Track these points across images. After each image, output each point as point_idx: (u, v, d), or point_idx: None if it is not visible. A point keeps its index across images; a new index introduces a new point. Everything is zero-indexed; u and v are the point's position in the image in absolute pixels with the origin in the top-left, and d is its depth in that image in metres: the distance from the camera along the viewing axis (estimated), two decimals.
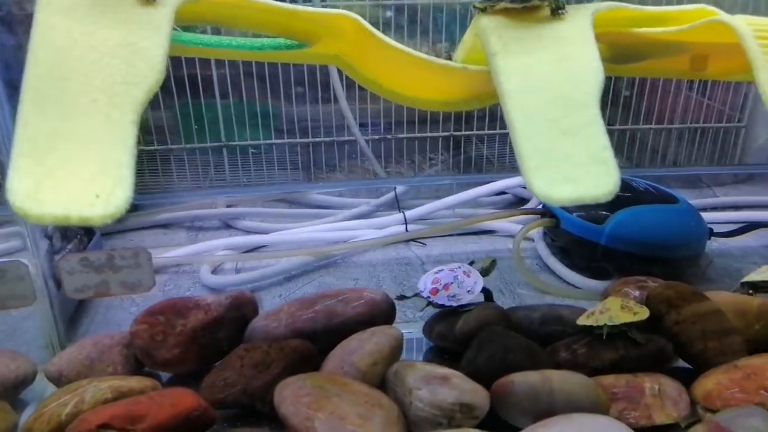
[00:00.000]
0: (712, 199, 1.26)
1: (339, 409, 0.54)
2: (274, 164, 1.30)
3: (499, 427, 0.59)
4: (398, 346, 0.66)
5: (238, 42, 0.54)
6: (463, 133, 1.34)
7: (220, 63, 1.21)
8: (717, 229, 1.04)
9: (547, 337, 0.70)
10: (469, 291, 0.70)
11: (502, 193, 1.22)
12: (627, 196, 0.91)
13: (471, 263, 0.76)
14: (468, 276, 0.72)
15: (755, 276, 0.73)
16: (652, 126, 1.39)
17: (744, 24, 0.45)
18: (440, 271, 0.74)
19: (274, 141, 1.28)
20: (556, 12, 0.50)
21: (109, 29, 0.39)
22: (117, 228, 1.10)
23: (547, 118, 0.42)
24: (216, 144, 1.24)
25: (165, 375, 0.70)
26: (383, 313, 0.72)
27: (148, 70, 0.37)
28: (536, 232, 1.04)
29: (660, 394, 0.60)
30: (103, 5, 0.40)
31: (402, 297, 0.77)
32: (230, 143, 1.24)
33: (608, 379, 0.62)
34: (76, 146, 0.35)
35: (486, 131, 1.34)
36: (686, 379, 0.65)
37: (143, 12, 0.40)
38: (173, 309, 0.68)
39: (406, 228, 1.06)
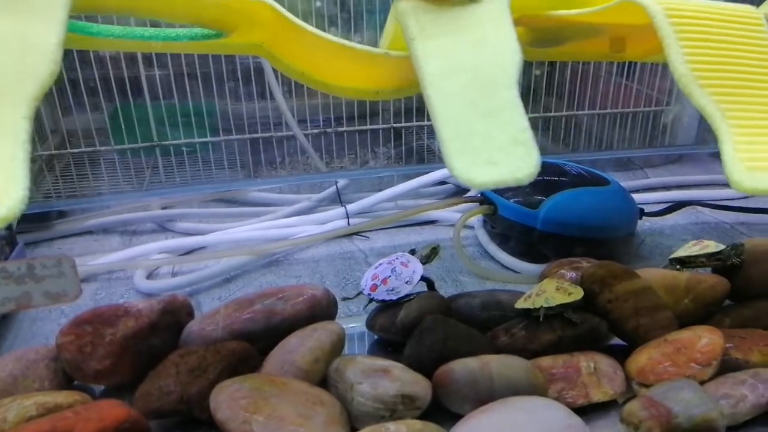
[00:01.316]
0: (644, 180, 1.30)
1: (278, 410, 0.53)
2: (212, 164, 1.26)
3: (443, 414, 0.59)
4: (340, 342, 0.65)
5: (151, 33, 0.52)
6: (403, 124, 1.34)
7: (147, 63, 1.17)
8: (648, 209, 1.08)
9: (487, 323, 0.71)
10: (407, 282, 0.70)
11: (443, 183, 1.23)
12: (560, 180, 0.92)
13: (412, 252, 0.75)
14: (406, 266, 0.72)
15: (682, 252, 0.75)
16: (586, 112, 1.43)
17: (654, 3, 0.46)
18: (379, 265, 0.74)
19: (209, 139, 1.24)
20: None
21: None
22: (43, 236, 1.05)
23: (466, 101, 0.42)
24: (147, 144, 1.19)
25: (99, 388, 0.67)
26: (325, 309, 0.70)
27: (41, 62, 0.34)
28: (476, 220, 1.05)
29: (596, 372, 0.61)
30: None
31: (346, 298, 0.77)
32: (162, 143, 1.20)
33: (546, 361, 0.62)
34: None
35: (425, 122, 1.35)
36: (622, 355, 0.67)
37: None
38: (101, 318, 0.65)
39: (348, 222, 1.05)
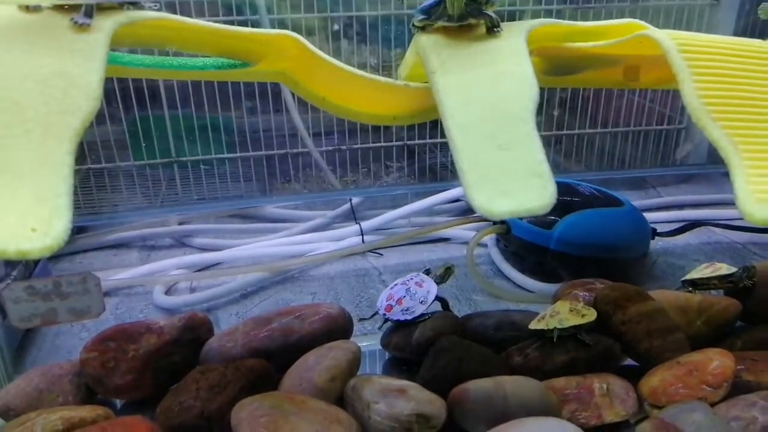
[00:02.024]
0: (657, 200, 1.31)
1: (297, 428, 0.54)
2: (227, 178, 1.29)
3: None
4: (356, 360, 0.66)
5: (180, 62, 0.54)
6: (417, 141, 1.35)
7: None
8: (660, 228, 1.08)
9: (501, 342, 0.72)
10: (422, 302, 0.71)
11: (457, 200, 1.25)
12: (574, 200, 0.94)
13: (427, 272, 0.77)
14: (420, 286, 0.73)
15: (695, 274, 0.76)
16: (598, 130, 1.44)
17: (668, 39, 0.47)
18: (395, 285, 0.75)
19: (225, 155, 1.26)
20: (492, 30, 0.51)
21: (42, 57, 0.38)
22: (65, 250, 1.07)
23: (484, 134, 0.44)
24: (166, 160, 1.22)
25: (120, 402, 0.68)
26: (340, 328, 0.72)
27: (83, 99, 0.36)
28: (490, 239, 1.06)
29: (608, 393, 0.62)
30: (36, 33, 0.39)
31: (363, 319, 0.79)
32: (180, 158, 1.23)
33: (560, 382, 0.63)
34: (10, 179, 0.34)
35: (439, 139, 1.36)
36: (634, 377, 0.67)
37: (77, 39, 0.40)
38: (124, 334, 0.67)
39: (363, 239, 1.06)
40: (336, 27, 1.16)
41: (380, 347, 0.75)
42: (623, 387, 0.64)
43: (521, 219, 0.92)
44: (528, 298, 0.91)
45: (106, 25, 0.44)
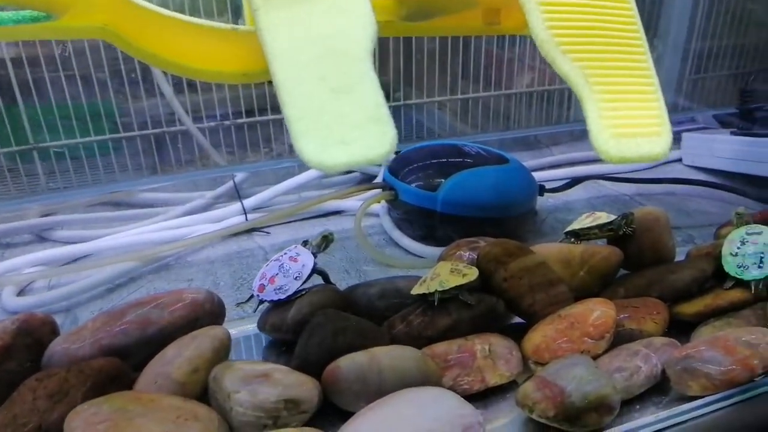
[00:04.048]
0: (549, 158, 1.32)
1: (143, 431, 0.47)
2: (99, 168, 1.17)
3: (339, 415, 0.56)
4: (223, 347, 0.60)
5: None
6: None
7: (17, 63, 1.06)
8: (553, 186, 1.09)
9: (386, 311, 0.67)
10: (296, 278, 0.66)
11: (350, 171, 1.20)
12: (459, 161, 0.91)
13: (304, 243, 0.71)
14: (295, 261, 0.67)
15: (576, 225, 0.75)
16: (492, 93, 1.43)
17: None
18: (268, 263, 0.69)
19: (93, 138, 1.14)
20: None
21: None
22: None
23: (315, 76, 0.38)
24: (23, 147, 1.08)
25: None
26: (208, 314, 0.65)
27: None
28: (382, 208, 1.02)
29: (491, 354, 0.59)
30: None
31: (240, 303, 0.73)
32: (40, 145, 1.10)
33: (441, 347, 0.60)
34: None
35: None
36: (522, 334, 0.65)
37: None
38: None
39: (246, 218, 0.99)
40: None
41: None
42: (507, 347, 0.61)
43: (408, 183, 0.88)
44: (419, 263, 0.88)
45: None
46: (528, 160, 1.28)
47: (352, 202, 1.06)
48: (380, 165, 0.41)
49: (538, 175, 1.16)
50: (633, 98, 0.42)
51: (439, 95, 1.38)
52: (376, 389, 0.53)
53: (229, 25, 0.48)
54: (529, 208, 0.94)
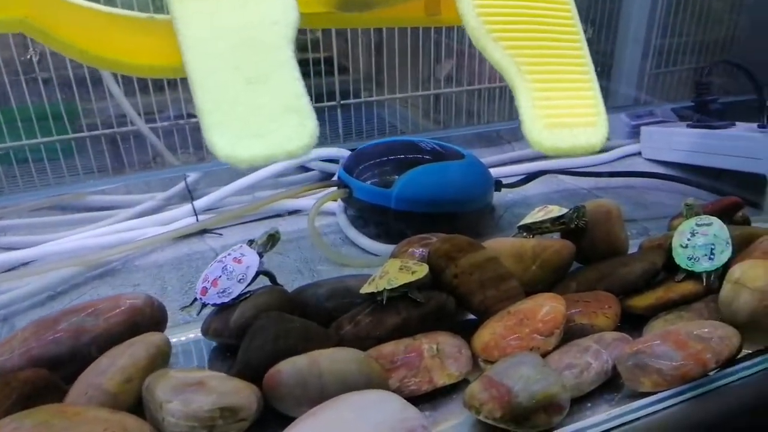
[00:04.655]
0: (509, 154, 1.31)
1: None
2: (48, 171, 1.12)
3: (281, 421, 0.54)
4: (161, 355, 0.57)
5: None
6: None
7: None
8: (511, 181, 1.08)
9: (334, 312, 0.65)
10: (240, 280, 0.63)
11: (309, 169, 1.17)
12: (415, 157, 0.89)
13: (250, 243, 0.69)
14: (239, 262, 0.65)
15: (528, 219, 0.74)
16: (454, 89, 1.42)
17: None
18: (212, 264, 0.66)
19: (41, 140, 1.10)
20: None
21: None
22: None
23: (230, 66, 0.36)
24: None
25: None
26: (148, 320, 0.62)
27: None
28: (338, 206, 1.00)
29: (439, 353, 0.58)
30: None
31: (184, 307, 0.70)
32: None
33: (388, 347, 0.58)
34: None
35: None
36: (474, 332, 0.64)
37: None
38: None
39: (197, 219, 0.96)
40: None
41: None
42: (455, 345, 0.60)
43: (363, 180, 0.86)
44: (375, 262, 0.86)
45: None
46: (488, 156, 1.28)
47: (309, 201, 1.04)
48: (299, 158, 0.39)
49: (498, 171, 1.15)
50: (567, 87, 0.41)
51: (401, 92, 1.37)
52: (318, 394, 0.51)
53: (146, 15, 0.46)
54: (485, 203, 0.93)
